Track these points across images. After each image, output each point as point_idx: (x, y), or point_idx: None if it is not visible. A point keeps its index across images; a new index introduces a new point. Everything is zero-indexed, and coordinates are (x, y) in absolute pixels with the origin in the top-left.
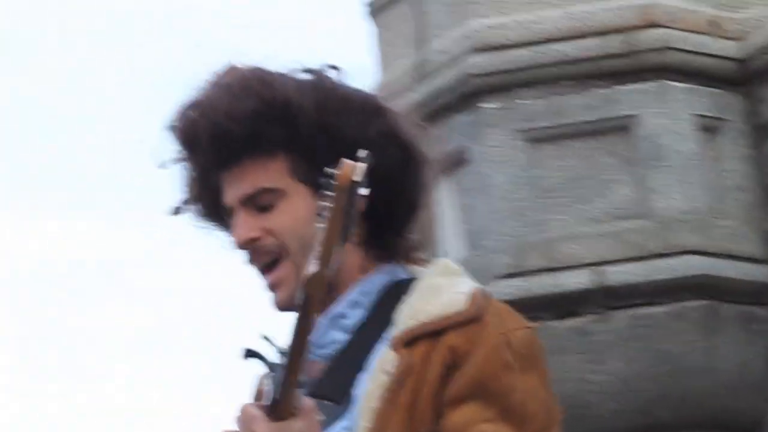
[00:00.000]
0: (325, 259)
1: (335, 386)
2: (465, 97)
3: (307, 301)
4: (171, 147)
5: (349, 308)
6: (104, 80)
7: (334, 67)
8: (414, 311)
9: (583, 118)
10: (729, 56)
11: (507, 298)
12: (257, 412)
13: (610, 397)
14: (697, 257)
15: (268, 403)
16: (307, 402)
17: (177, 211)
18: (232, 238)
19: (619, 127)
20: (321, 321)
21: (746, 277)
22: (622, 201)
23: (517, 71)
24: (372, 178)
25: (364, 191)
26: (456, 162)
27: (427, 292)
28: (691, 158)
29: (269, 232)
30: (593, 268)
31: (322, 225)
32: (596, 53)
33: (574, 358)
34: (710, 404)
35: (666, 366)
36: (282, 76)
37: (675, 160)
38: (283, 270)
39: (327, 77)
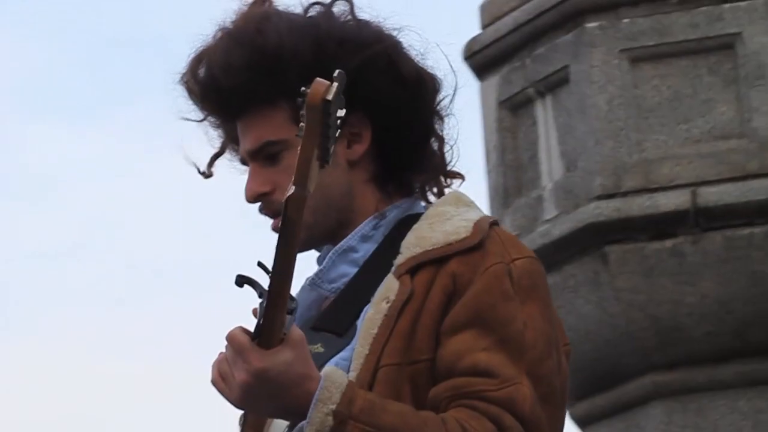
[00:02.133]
0: (301, 181)
1: (339, 318)
2: (568, 16)
3: (287, 224)
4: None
5: (360, 242)
6: None
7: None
8: (418, 239)
9: (686, 36)
10: None
11: (602, 219)
12: (244, 338)
13: (704, 319)
14: None
15: (255, 331)
16: (296, 330)
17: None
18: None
19: (723, 46)
20: (330, 255)
21: None
22: (723, 121)
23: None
24: (374, 111)
25: (341, 112)
26: (555, 82)
27: (433, 220)
28: None
29: (276, 186)
30: (690, 188)
31: (299, 148)
32: None
33: (669, 280)
34: None
35: (762, 288)
36: (280, 19)
37: None
38: None
39: (329, 14)
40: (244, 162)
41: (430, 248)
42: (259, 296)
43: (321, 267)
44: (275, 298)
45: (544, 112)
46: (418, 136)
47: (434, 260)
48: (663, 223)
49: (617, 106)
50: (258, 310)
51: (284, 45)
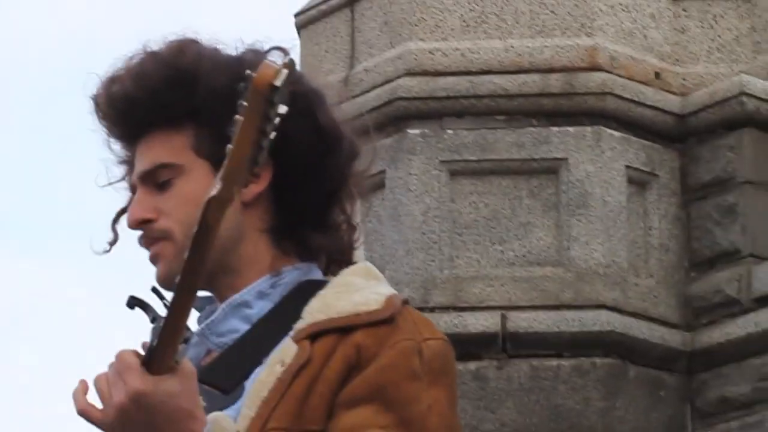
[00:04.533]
0: (230, 178)
1: (226, 374)
2: (391, 119)
3: (203, 230)
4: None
5: (255, 299)
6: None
7: (280, 49)
8: (324, 305)
9: (510, 155)
10: (669, 110)
11: None
12: (132, 361)
13: None
14: (609, 313)
15: (146, 354)
16: (188, 363)
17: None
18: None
19: (547, 170)
20: (221, 307)
21: (659, 341)
22: (540, 246)
23: (448, 99)
24: (280, 153)
25: (283, 108)
26: (370, 186)
27: (341, 288)
28: (617, 210)
29: (161, 213)
30: (500, 311)
31: (231, 142)
32: (534, 90)
33: (470, 404)
34: None
35: (563, 423)
36: (206, 47)
37: (600, 211)
38: (162, 246)
39: (258, 53)
40: (134, 190)
41: (336, 316)
42: (152, 321)
43: (211, 318)
44: (174, 320)
45: (355, 216)
46: (324, 194)
47: (338, 329)
48: (469, 344)
49: (432, 219)
50: (151, 336)
51: (202, 66)
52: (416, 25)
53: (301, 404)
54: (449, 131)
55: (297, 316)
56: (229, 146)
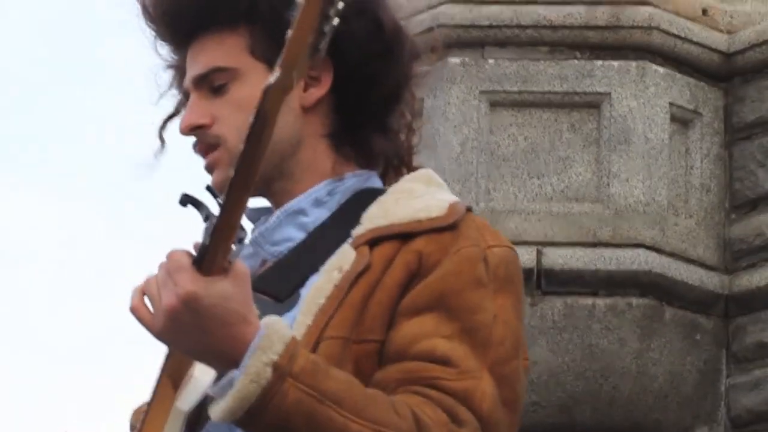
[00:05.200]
0: (290, 65)
1: (280, 282)
2: (431, 47)
3: (260, 120)
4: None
5: (312, 206)
6: None
7: None
8: (383, 211)
9: (552, 87)
10: (716, 48)
11: None
12: (184, 261)
13: (531, 388)
14: (647, 252)
15: (197, 254)
16: (242, 264)
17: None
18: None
19: (589, 103)
20: (278, 215)
21: (696, 283)
22: (578, 182)
23: (491, 28)
24: (341, 55)
25: (341, 3)
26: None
27: (401, 195)
28: (659, 148)
29: (216, 119)
30: (536, 247)
31: (291, 27)
32: (578, 22)
33: None
34: (635, 411)
35: (596, 363)
36: None
37: (641, 147)
38: (217, 153)
39: None
40: (187, 96)
41: (396, 222)
42: (205, 220)
43: (265, 225)
44: (228, 217)
45: None
46: (386, 97)
47: (399, 235)
48: None
49: (470, 150)
50: (203, 236)
51: None
52: None
53: (359, 312)
54: (491, 61)
55: (355, 223)
56: (289, 31)
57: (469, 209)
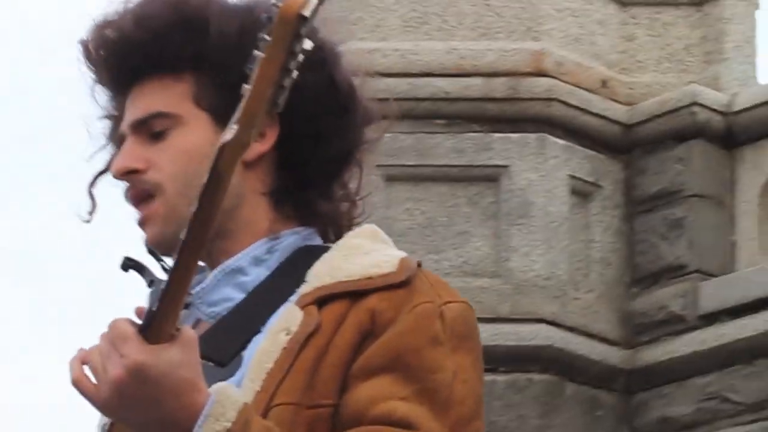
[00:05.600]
0: (247, 121)
1: (221, 345)
2: None
3: (214, 179)
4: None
5: (251, 264)
6: None
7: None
8: (331, 269)
9: (449, 161)
10: (616, 120)
11: None
12: (128, 330)
13: None
14: (548, 327)
15: (144, 322)
16: (190, 330)
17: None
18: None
19: (488, 177)
20: (213, 273)
21: (598, 358)
22: (477, 256)
23: (386, 101)
24: (289, 111)
25: (308, 44)
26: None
27: (349, 251)
28: (559, 221)
29: (152, 165)
30: None
31: (250, 81)
32: (476, 94)
33: None
34: None
35: None
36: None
37: (541, 221)
38: (153, 206)
39: (263, 3)
40: (120, 143)
41: (345, 279)
42: (149, 285)
43: (201, 285)
44: (177, 283)
45: None
46: (334, 158)
47: (349, 293)
48: None
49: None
50: (148, 301)
51: (211, 10)
52: (355, 24)
53: (310, 376)
54: (386, 134)
55: (299, 281)
56: (247, 86)
57: (419, 264)
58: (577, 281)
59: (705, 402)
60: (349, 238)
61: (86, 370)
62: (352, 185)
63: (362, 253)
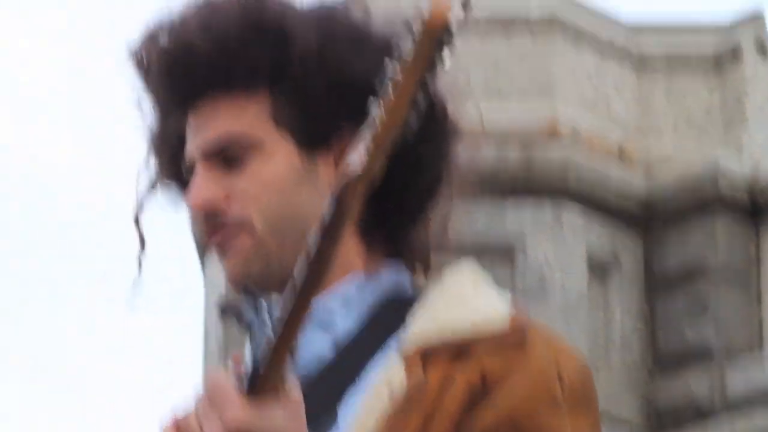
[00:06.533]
0: (379, 145)
1: (315, 399)
2: None
3: (335, 219)
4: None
5: (341, 306)
6: None
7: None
8: (433, 319)
9: (462, 232)
10: (633, 190)
11: None
12: (228, 387)
13: None
14: None
15: (246, 375)
16: (296, 388)
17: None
18: (185, 202)
19: (503, 249)
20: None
21: None
22: None
23: None
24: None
25: (447, 58)
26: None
27: (452, 298)
28: (578, 298)
29: (233, 197)
30: None
31: (382, 98)
32: (490, 161)
33: None
34: None
35: None
36: (284, 2)
37: (559, 297)
38: (240, 240)
39: (343, 10)
40: (189, 171)
41: (450, 332)
42: (247, 331)
43: None
44: (286, 335)
45: None
46: (430, 185)
47: (454, 349)
48: None
49: None
50: (250, 351)
51: (287, 21)
52: None
53: None
54: None
55: (394, 328)
56: (378, 107)
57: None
58: (596, 364)
59: None
60: (450, 281)
61: None
62: (442, 212)
63: (466, 301)
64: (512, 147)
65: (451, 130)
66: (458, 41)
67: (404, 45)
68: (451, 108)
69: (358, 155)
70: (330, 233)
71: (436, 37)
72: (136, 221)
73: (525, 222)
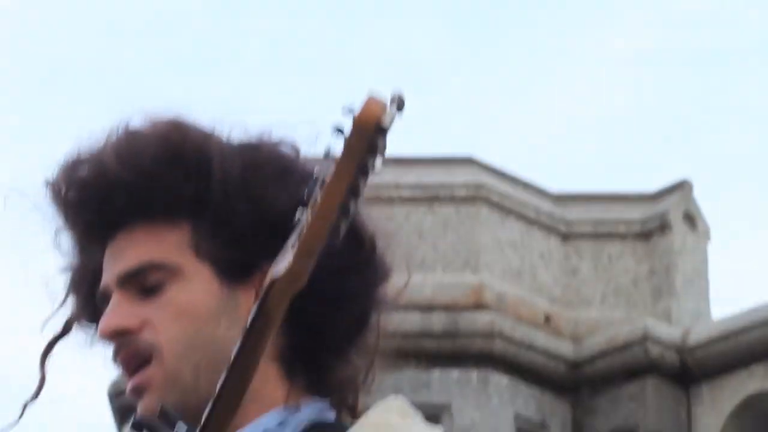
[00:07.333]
0: (306, 249)
1: None
2: None
3: (260, 322)
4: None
5: None
6: None
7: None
8: None
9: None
10: (561, 356)
11: None
12: None
13: None
14: None
15: None
16: None
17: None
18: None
19: (429, 417)
20: None
21: None
22: None
23: None
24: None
25: (378, 161)
26: None
27: (379, 427)
28: None
29: (147, 324)
30: None
31: (311, 202)
32: (415, 330)
33: None
34: None
35: None
36: (207, 132)
37: None
38: (149, 372)
39: (268, 141)
40: (101, 301)
41: None
42: None
43: None
44: None
45: None
46: (354, 320)
47: None
48: None
49: None
50: None
51: (210, 147)
52: None
53: None
54: None
55: None
56: (307, 209)
57: None
58: None
59: None
60: (378, 414)
61: None
62: (366, 348)
63: (396, 430)
64: (437, 315)
65: (378, 265)
66: (383, 211)
67: (334, 145)
68: (380, 244)
69: (284, 257)
70: (251, 342)
71: (367, 136)
72: (42, 362)
73: (450, 390)
